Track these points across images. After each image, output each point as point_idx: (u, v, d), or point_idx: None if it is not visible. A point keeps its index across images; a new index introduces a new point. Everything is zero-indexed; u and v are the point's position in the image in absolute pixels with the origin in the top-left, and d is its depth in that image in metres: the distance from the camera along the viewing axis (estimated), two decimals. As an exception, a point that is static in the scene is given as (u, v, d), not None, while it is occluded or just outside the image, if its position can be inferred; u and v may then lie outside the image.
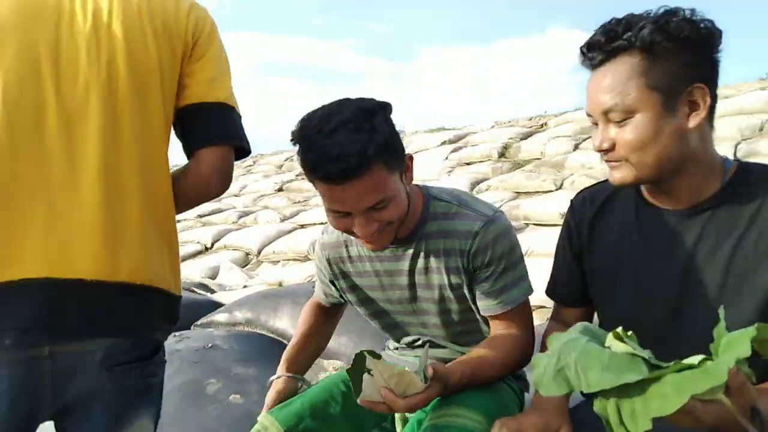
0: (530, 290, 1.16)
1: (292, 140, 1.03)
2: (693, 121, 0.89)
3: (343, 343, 2.65)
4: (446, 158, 7.19)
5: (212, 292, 4.64)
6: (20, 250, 0.80)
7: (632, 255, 1.01)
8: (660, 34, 0.86)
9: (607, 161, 0.96)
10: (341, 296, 1.30)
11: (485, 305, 1.15)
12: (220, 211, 7.94)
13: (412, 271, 1.18)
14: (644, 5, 0.92)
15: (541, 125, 8.31)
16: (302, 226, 5.94)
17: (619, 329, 0.74)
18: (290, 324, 2.91)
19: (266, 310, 2.92)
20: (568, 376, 0.70)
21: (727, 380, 0.63)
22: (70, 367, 0.84)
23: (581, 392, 0.70)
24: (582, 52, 0.95)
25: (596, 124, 0.96)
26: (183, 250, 6.03)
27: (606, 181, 1.07)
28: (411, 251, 1.17)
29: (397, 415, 1.22)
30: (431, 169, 6.82)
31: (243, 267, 5.08)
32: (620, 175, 0.94)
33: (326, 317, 1.40)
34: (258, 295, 3.23)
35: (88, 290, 0.82)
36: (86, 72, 0.85)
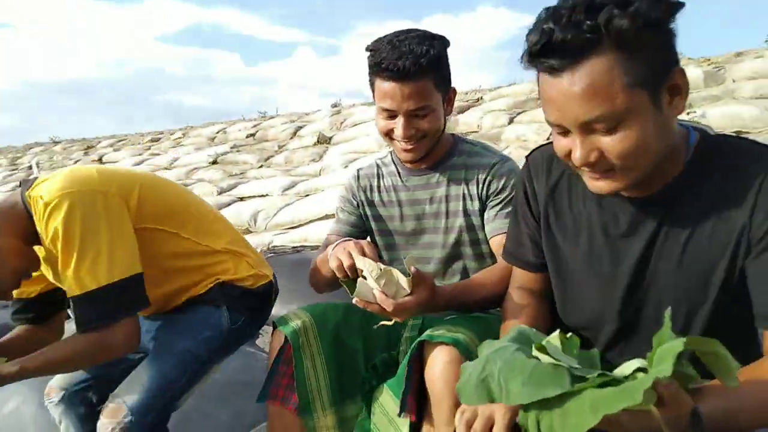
0: None
1: (366, 49, 1.25)
2: (678, 107, 0.80)
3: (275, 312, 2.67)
4: (385, 131, 7.22)
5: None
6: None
7: (591, 237, 0.95)
8: (634, 21, 0.72)
9: (593, 174, 0.84)
10: (363, 225, 1.42)
11: (499, 224, 1.28)
12: (151, 184, 7.59)
13: (432, 200, 1.35)
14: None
15: (477, 99, 8.51)
16: (241, 199, 5.81)
17: (552, 336, 0.71)
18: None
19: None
20: (491, 387, 0.69)
21: (656, 394, 0.61)
22: None
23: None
24: (532, 55, 0.78)
25: (564, 133, 0.82)
26: (114, 225, 5.74)
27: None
28: (436, 179, 1.35)
29: (405, 336, 1.30)
30: (372, 141, 6.83)
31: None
32: (608, 186, 0.83)
33: None
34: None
35: None
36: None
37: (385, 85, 1.22)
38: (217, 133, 11.15)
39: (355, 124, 8.22)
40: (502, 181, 1.30)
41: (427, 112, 1.23)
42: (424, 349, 1.07)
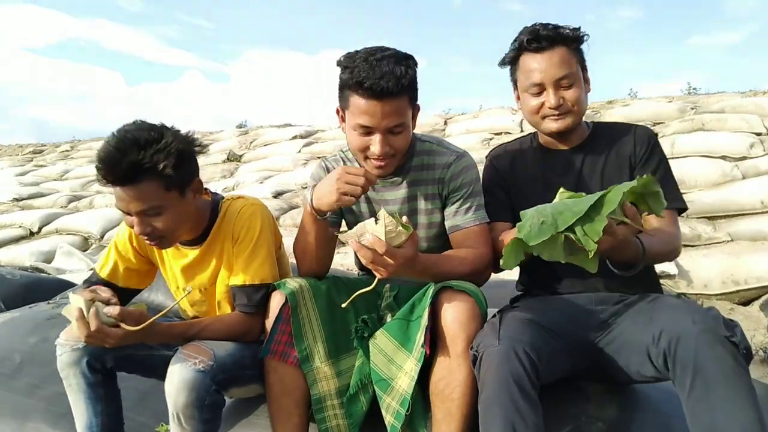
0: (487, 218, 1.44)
1: (338, 64, 1.28)
2: (588, 88, 1.45)
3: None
4: (299, 151, 7.32)
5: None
6: None
7: (542, 183, 1.44)
8: (575, 32, 1.41)
9: (556, 115, 1.40)
10: (340, 211, 1.49)
11: (459, 221, 1.39)
12: (41, 195, 7.03)
13: (398, 200, 1.43)
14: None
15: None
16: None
17: (561, 192, 1.13)
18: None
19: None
20: (548, 226, 1.03)
21: (625, 211, 1.06)
22: None
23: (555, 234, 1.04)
24: (528, 41, 1.39)
25: (540, 92, 1.40)
26: (3, 235, 5.27)
27: (510, 143, 1.53)
28: (400, 182, 1.43)
29: (384, 304, 1.42)
30: (285, 160, 6.89)
31: (84, 251, 4.65)
32: (564, 123, 1.40)
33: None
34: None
35: None
36: None
37: (364, 103, 1.25)
38: (113, 147, 10.52)
39: (266, 144, 8.23)
40: (460, 179, 1.40)
41: (402, 129, 1.30)
42: (438, 298, 1.22)
